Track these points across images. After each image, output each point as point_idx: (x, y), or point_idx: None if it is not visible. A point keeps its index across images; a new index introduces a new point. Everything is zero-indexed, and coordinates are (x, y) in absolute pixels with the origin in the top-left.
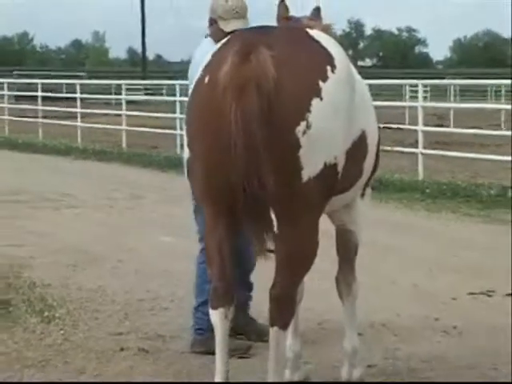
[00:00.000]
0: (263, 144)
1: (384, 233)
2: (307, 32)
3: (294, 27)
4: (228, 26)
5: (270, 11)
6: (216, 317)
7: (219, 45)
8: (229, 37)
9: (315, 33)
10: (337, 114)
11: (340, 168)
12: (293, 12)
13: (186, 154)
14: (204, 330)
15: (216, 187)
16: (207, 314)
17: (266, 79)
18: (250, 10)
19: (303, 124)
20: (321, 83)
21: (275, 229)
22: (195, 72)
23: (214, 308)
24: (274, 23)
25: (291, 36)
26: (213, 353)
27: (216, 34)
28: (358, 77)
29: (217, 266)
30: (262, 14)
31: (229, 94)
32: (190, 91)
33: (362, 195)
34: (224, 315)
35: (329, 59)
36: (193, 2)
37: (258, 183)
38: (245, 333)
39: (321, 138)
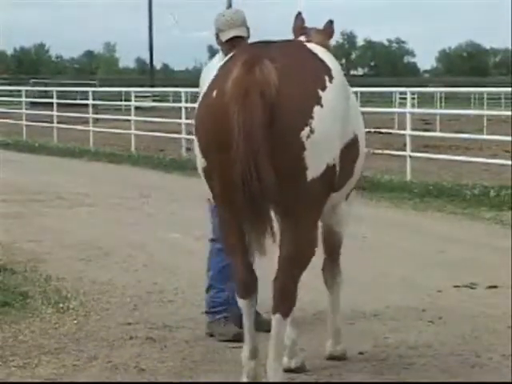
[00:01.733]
0: (266, 147)
1: (375, 230)
2: (305, 45)
3: (293, 41)
4: (224, 36)
5: (280, 24)
6: (244, 305)
7: (225, 59)
8: (234, 52)
9: (312, 46)
10: (335, 119)
11: (338, 168)
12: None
13: (202, 163)
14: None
15: (233, 189)
16: (211, 297)
17: (269, 87)
18: (261, 22)
19: (307, 129)
20: (320, 92)
21: (275, 228)
22: (203, 80)
23: (243, 298)
24: (284, 35)
25: (291, 49)
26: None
27: (220, 45)
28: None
29: (241, 261)
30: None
31: (234, 100)
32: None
33: (347, 198)
34: (250, 303)
35: (326, 70)
36: (194, 16)
37: (259, 184)
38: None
39: (322, 141)
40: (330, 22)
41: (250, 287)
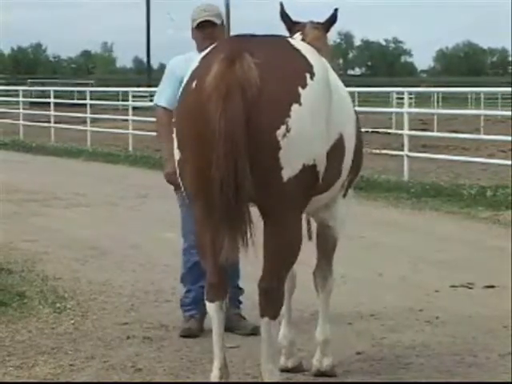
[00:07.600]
0: (245, 148)
1: (372, 229)
2: (288, 41)
3: (275, 36)
4: (194, 23)
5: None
6: (212, 309)
7: (206, 51)
8: (215, 44)
9: (295, 42)
10: (315, 119)
11: (320, 169)
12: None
13: (177, 155)
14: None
15: (207, 186)
16: (181, 295)
17: (250, 84)
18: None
19: (283, 128)
20: (300, 90)
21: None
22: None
23: (211, 301)
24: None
25: (273, 44)
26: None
27: (194, 38)
28: (339, 83)
29: (211, 261)
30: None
31: (214, 97)
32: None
33: (345, 195)
34: (219, 307)
35: (308, 67)
36: (188, 15)
37: (236, 185)
38: (231, 329)
39: (299, 141)
40: (335, 11)
41: (219, 290)
